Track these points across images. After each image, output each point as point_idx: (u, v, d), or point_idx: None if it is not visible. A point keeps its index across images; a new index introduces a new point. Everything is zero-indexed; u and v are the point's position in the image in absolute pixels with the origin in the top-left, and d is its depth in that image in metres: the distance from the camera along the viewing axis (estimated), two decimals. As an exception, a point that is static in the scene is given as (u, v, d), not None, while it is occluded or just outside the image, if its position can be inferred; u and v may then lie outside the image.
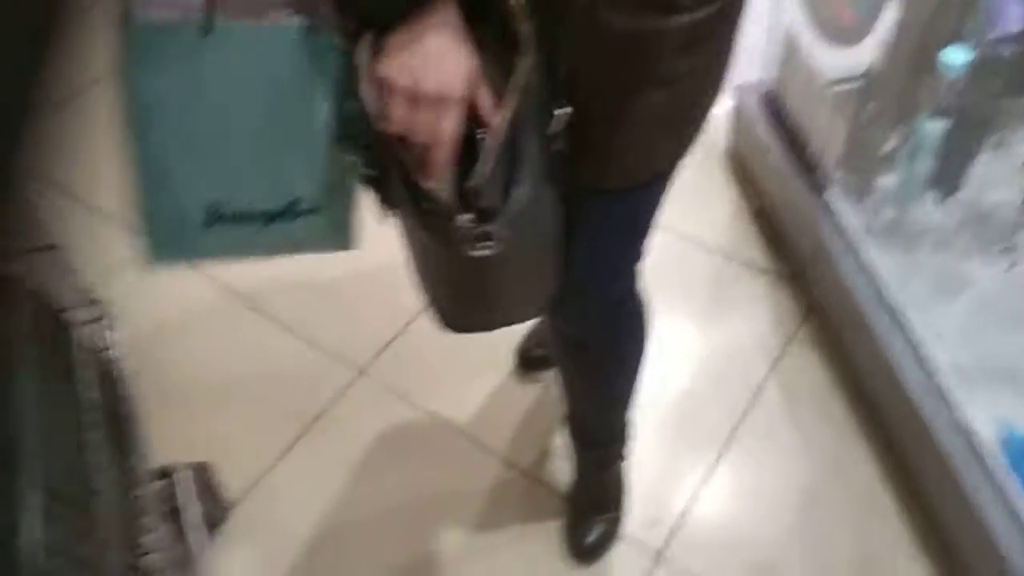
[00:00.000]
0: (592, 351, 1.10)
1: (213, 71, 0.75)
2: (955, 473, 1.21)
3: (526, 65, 0.70)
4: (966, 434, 1.23)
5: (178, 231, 0.84)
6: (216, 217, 0.83)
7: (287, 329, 1.62)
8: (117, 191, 0.79)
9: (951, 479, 1.21)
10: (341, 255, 0.86)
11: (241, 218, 0.83)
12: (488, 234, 0.72)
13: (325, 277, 1.66)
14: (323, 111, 0.81)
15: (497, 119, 0.70)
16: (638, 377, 1.17)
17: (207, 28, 0.72)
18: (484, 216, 0.72)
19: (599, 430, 1.27)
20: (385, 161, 0.74)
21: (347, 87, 0.74)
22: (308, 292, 1.64)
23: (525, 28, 0.69)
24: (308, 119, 0.82)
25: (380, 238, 0.87)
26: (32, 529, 0.59)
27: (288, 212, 0.84)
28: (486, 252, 0.73)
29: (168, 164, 0.80)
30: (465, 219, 0.72)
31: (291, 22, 0.76)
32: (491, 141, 0.70)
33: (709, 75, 0.83)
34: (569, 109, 0.75)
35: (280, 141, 0.82)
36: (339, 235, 0.87)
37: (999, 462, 1.19)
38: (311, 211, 0.85)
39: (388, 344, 1.58)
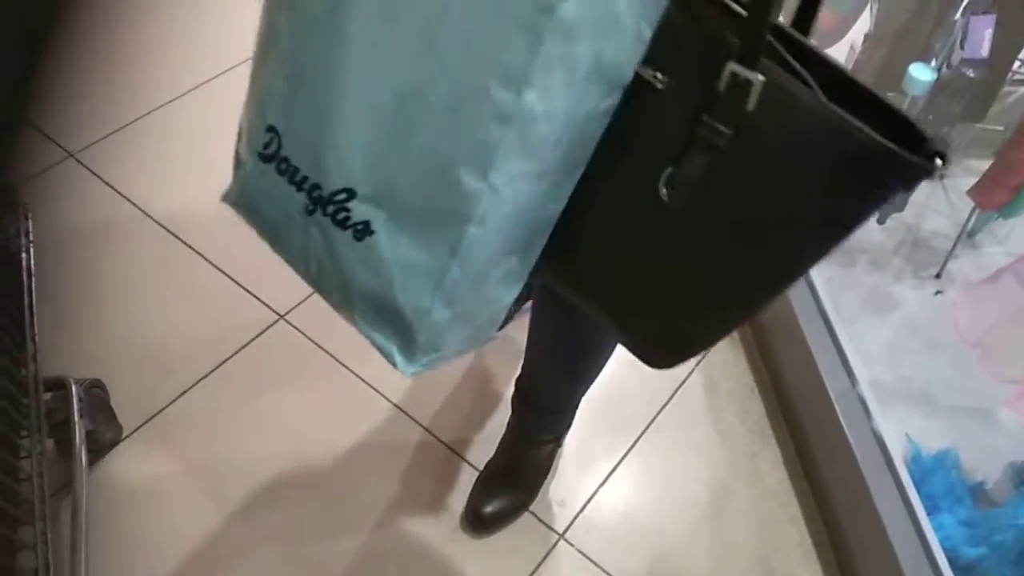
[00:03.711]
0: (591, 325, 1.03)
1: None
2: (862, 481, 1.22)
3: None
4: (878, 445, 1.25)
5: None
6: None
7: (215, 264, 1.55)
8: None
9: (858, 487, 1.23)
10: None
11: None
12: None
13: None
14: None
15: None
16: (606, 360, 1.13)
17: None
18: None
19: (556, 397, 1.22)
20: None
21: None
22: (241, 231, 1.58)
23: None
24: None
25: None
26: None
27: None
28: None
29: None
30: None
31: None
32: None
33: None
34: None
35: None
36: None
37: (905, 477, 1.22)
38: None
39: (312, 294, 1.53)
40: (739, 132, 0.58)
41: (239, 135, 0.70)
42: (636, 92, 0.61)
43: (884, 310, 1.54)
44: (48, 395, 1.11)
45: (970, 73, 1.21)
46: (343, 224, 0.62)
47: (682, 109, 0.60)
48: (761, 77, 0.56)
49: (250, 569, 1.21)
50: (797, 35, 0.60)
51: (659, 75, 0.60)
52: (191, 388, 1.39)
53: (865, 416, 1.28)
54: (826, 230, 0.60)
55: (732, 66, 0.56)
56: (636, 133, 0.63)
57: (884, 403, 1.30)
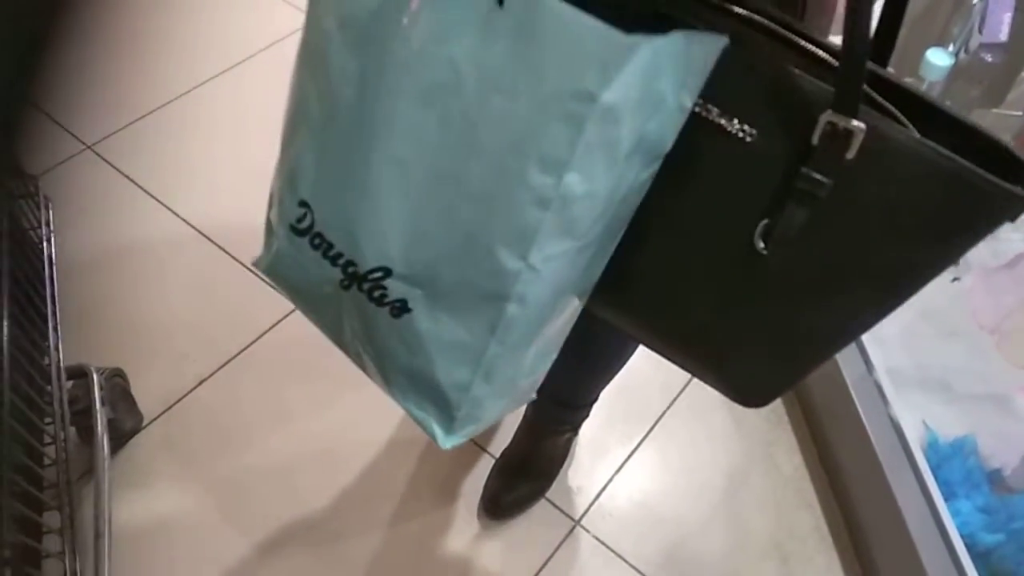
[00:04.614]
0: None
1: None
2: (879, 468, 1.22)
3: None
4: (894, 431, 1.24)
5: None
6: None
7: (231, 255, 1.56)
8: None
9: (875, 473, 1.23)
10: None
11: None
12: None
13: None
14: None
15: None
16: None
17: None
18: None
19: (576, 391, 1.22)
20: None
21: None
22: (257, 223, 1.58)
23: None
24: None
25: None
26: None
27: None
28: None
29: None
30: None
31: None
32: None
33: None
34: None
35: None
36: None
37: (922, 463, 1.21)
38: None
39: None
40: (838, 180, 0.56)
41: (270, 202, 0.69)
42: (723, 146, 0.60)
43: (900, 297, 1.53)
44: (70, 383, 1.12)
45: (988, 58, 1.20)
46: (380, 301, 0.62)
47: (774, 161, 0.58)
48: (863, 126, 0.54)
49: (270, 555, 1.23)
50: (877, 68, 0.58)
51: (747, 127, 0.59)
52: (210, 377, 1.40)
53: (882, 402, 1.28)
54: (931, 266, 0.59)
55: (828, 115, 0.54)
56: (725, 187, 0.62)
57: (901, 390, 1.30)
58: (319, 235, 0.63)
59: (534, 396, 0.73)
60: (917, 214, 0.56)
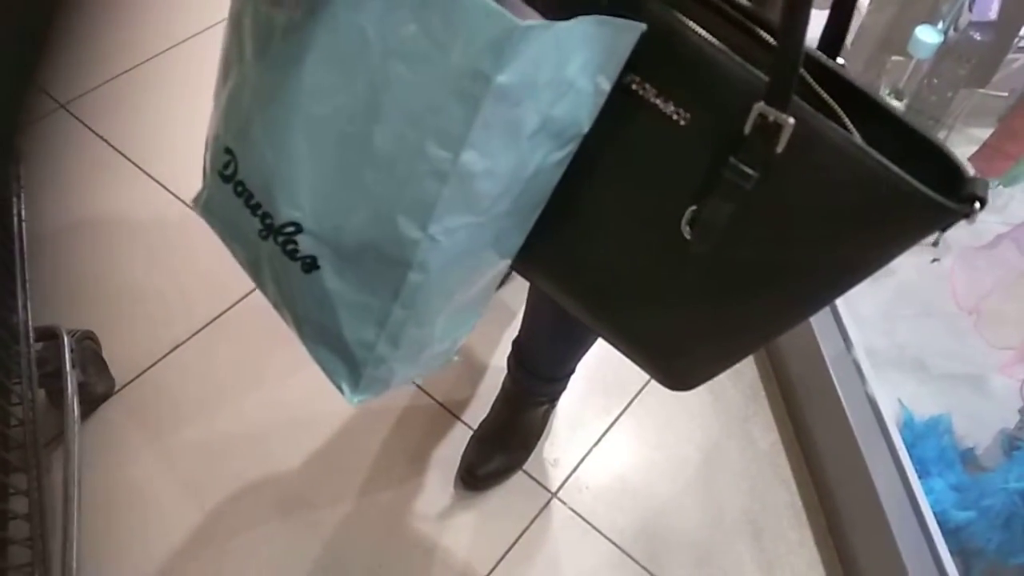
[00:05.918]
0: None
1: None
2: (854, 445, 1.23)
3: None
4: (871, 409, 1.25)
5: None
6: None
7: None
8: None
9: (850, 450, 1.23)
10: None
11: None
12: None
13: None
14: None
15: None
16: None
17: None
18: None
19: (552, 362, 1.22)
20: None
21: None
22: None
23: None
24: None
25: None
26: None
27: None
28: None
29: None
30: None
31: None
32: None
33: None
34: None
35: None
36: None
37: (897, 441, 1.22)
38: None
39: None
40: (766, 174, 0.55)
41: (206, 144, 0.70)
42: (657, 126, 0.59)
43: (880, 276, 1.51)
44: (39, 345, 1.10)
45: (977, 36, 1.19)
46: (292, 255, 0.63)
47: (706, 147, 0.57)
48: (791, 120, 0.53)
49: (241, 522, 1.22)
50: (824, 58, 0.57)
51: (681, 111, 0.58)
52: (185, 342, 1.38)
53: (859, 380, 1.28)
54: (851, 272, 0.58)
55: (760, 107, 0.53)
56: (656, 168, 0.61)
57: (878, 369, 1.30)
58: (241, 183, 0.64)
59: (456, 358, 0.74)
60: (846, 215, 0.55)
